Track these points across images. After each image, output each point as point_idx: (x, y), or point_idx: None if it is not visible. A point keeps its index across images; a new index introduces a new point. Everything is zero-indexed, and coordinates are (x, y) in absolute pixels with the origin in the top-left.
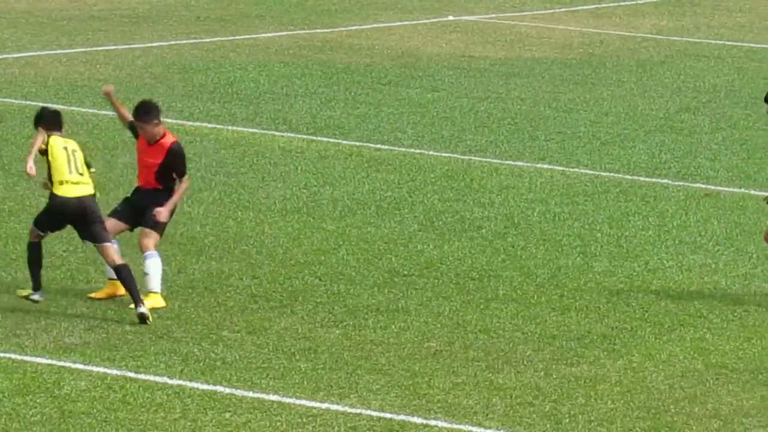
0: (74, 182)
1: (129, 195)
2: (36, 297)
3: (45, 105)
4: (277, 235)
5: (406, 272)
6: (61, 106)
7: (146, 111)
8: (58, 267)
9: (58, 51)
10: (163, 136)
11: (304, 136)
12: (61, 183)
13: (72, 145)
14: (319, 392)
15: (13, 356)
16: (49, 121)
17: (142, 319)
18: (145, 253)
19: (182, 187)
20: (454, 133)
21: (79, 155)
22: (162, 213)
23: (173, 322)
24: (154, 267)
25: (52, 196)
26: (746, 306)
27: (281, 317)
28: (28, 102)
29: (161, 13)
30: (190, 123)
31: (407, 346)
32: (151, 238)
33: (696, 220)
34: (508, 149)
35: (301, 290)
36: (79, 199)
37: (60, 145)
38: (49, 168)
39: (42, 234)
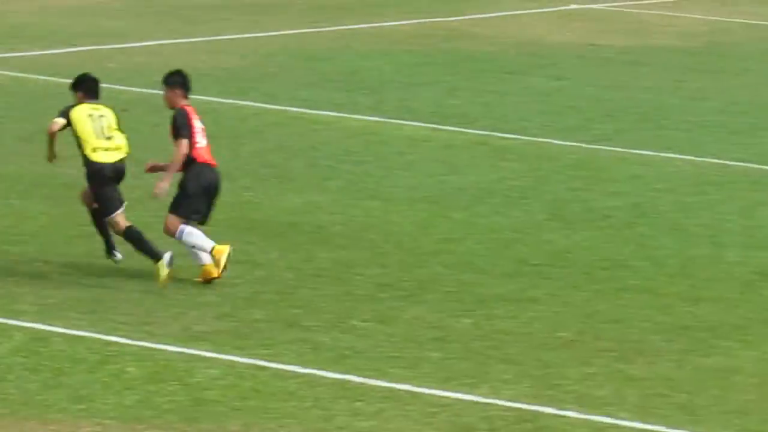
0: (104, 148)
1: None
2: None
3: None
4: (404, 224)
5: (534, 262)
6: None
7: (168, 74)
8: (187, 255)
9: (182, 40)
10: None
11: (429, 125)
12: (94, 150)
13: (100, 111)
14: (450, 382)
15: (144, 344)
16: (86, 87)
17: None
18: (175, 237)
19: (175, 154)
20: (580, 122)
21: (107, 120)
22: (160, 189)
23: (302, 311)
24: (189, 242)
25: (89, 165)
26: None
27: (410, 306)
28: (152, 91)
29: (284, 2)
30: (314, 111)
31: (538, 336)
32: (168, 221)
33: None
34: (634, 138)
35: (430, 279)
36: (114, 164)
37: (84, 113)
38: (78, 139)
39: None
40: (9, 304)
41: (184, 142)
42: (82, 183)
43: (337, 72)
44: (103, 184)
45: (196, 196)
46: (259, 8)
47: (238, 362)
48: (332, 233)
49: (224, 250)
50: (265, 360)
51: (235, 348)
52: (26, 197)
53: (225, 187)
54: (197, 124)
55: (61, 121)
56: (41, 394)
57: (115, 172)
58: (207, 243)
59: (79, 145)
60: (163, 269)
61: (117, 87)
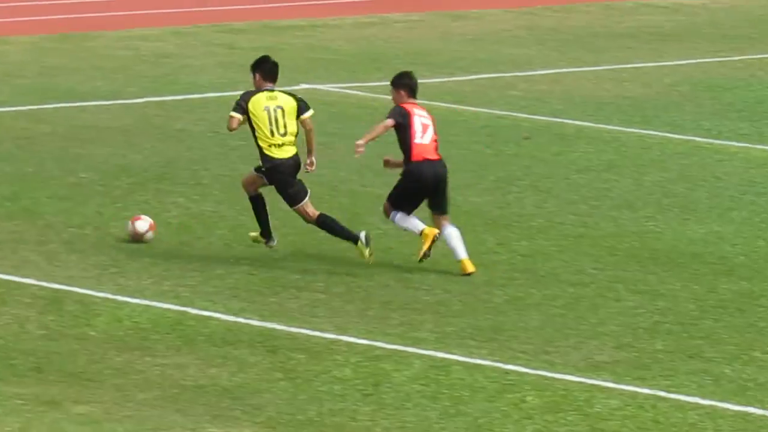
0: (279, 144)
1: None
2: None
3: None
4: None
5: None
6: (589, 123)
7: (396, 76)
8: (587, 284)
9: (585, 68)
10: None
11: None
12: (269, 147)
13: (276, 100)
14: None
15: (543, 373)
16: (265, 69)
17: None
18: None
19: (375, 127)
20: None
21: (282, 111)
22: (357, 146)
23: (704, 342)
24: (400, 226)
25: (265, 159)
26: None
27: None
28: (555, 119)
29: (688, 31)
30: (717, 141)
31: None
32: (384, 205)
33: None
34: None
35: None
36: (289, 159)
37: (261, 106)
38: (254, 131)
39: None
40: (409, 332)
41: (387, 122)
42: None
43: (741, 102)
44: (281, 179)
45: (406, 192)
46: (662, 37)
47: (638, 393)
48: (735, 264)
49: (430, 234)
50: (666, 391)
51: (635, 378)
52: (427, 224)
53: (627, 216)
54: (418, 121)
55: (237, 116)
56: (440, 422)
57: (292, 167)
58: (417, 226)
59: (255, 136)
60: (363, 249)
61: (519, 115)
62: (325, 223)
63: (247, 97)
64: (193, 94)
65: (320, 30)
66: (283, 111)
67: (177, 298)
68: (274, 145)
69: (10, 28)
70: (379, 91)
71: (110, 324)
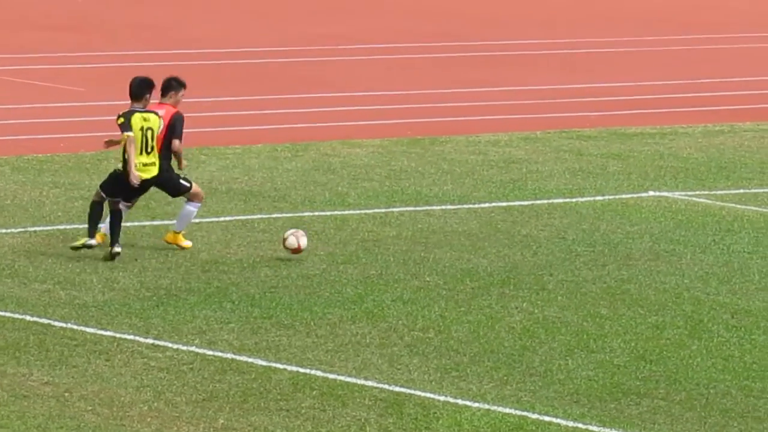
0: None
1: None
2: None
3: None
4: None
5: None
6: None
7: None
8: None
9: None
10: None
11: None
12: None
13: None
14: None
15: None
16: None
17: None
18: None
19: None
20: None
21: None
22: None
23: None
24: None
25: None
26: None
27: None
28: None
29: None
30: None
31: None
32: None
33: None
34: None
35: None
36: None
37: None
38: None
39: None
40: None
41: None
42: None
43: None
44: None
45: None
46: None
47: None
48: None
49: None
50: None
51: None
52: None
53: None
54: None
55: None
56: None
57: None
58: None
59: None
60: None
61: None
62: None
63: None
64: (540, 199)
65: (669, 137)
66: None
67: (518, 403)
68: None
69: (359, 131)
70: (727, 200)
71: (450, 428)
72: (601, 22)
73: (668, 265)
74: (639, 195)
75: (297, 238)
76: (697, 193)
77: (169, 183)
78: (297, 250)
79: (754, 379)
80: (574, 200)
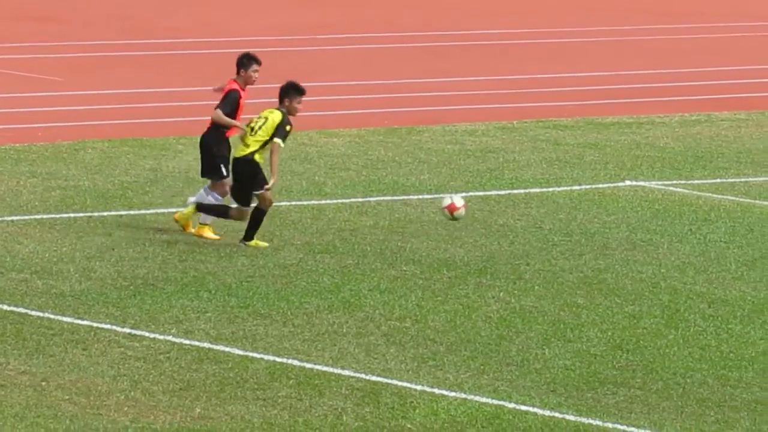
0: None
1: None
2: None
3: None
4: None
5: None
6: None
7: None
8: None
9: None
10: None
11: None
12: None
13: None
14: None
15: None
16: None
17: None
18: None
19: None
20: None
21: None
22: None
23: None
24: None
25: None
26: None
27: None
28: None
29: None
30: None
31: None
32: None
33: None
34: None
35: None
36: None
37: None
38: None
39: None
40: (724, 430)
41: None
42: None
43: None
44: None
45: None
46: None
47: None
48: None
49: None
50: None
51: None
52: (746, 323)
53: None
54: None
55: None
56: None
57: None
58: None
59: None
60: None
61: None
62: None
63: None
64: (516, 189)
65: (646, 127)
66: None
67: (494, 392)
68: None
69: (336, 121)
70: (703, 189)
71: (427, 417)
72: (579, 12)
73: (645, 254)
74: (616, 184)
75: (451, 197)
76: (674, 182)
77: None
78: (451, 208)
79: (731, 369)
80: (550, 190)
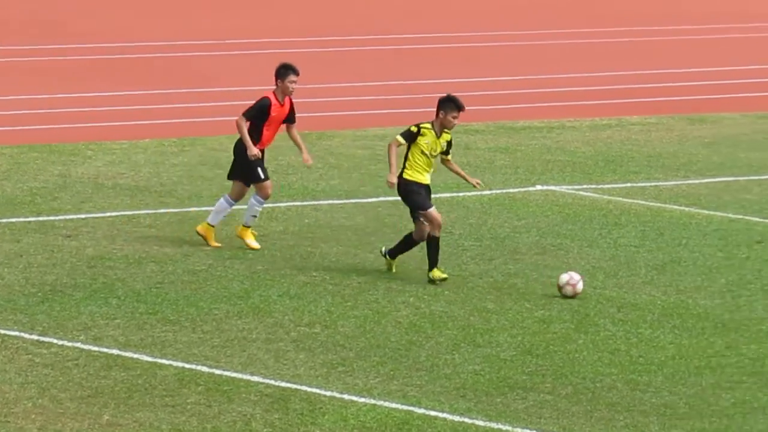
0: None
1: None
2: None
3: None
4: None
5: None
6: None
7: None
8: None
9: None
10: None
11: None
12: None
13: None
14: None
15: None
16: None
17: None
18: None
19: None
20: None
21: None
22: None
23: None
24: None
25: None
26: None
27: None
28: None
29: None
30: None
31: None
32: None
33: None
34: None
35: None
36: None
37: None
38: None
39: None
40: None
41: None
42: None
43: None
44: None
45: None
46: None
47: None
48: None
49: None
50: None
51: None
52: (656, 327)
53: None
54: None
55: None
56: None
57: None
58: None
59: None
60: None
61: (753, 218)
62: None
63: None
64: None
65: (557, 131)
66: None
67: (404, 398)
68: None
69: None
70: (614, 193)
71: (336, 423)
72: (489, 16)
73: (555, 259)
74: (526, 189)
75: (573, 287)
76: (585, 186)
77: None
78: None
79: (640, 373)
80: (461, 194)
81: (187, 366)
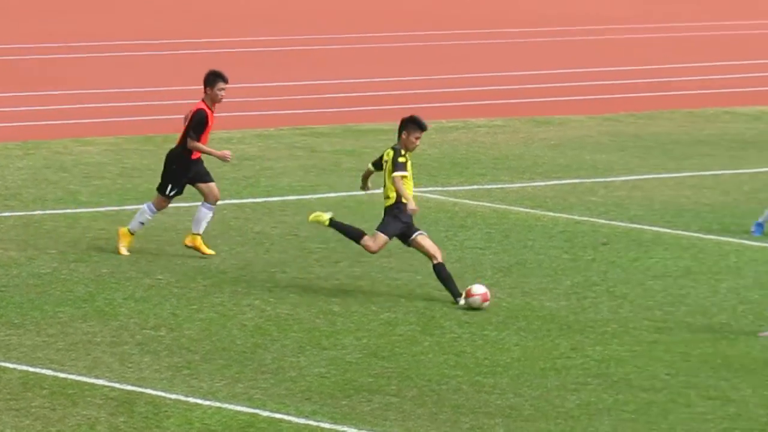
0: None
1: None
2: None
3: None
4: None
5: None
6: (667, 230)
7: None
8: (659, 390)
9: (665, 175)
10: None
11: None
12: None
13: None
14: None
15: None
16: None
17: None
18: None
19: None
20: None
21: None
22: None
23: None
24: None
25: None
26: None
27: None
28: (633, 225)
29: (766, 139)
30: None
31: None
32: None
33: None
34: None
35: None
36: None
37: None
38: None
39: None
40: None
41: None
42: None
43: None
44: None
45: None
46: (743, 145)
47: None
48: None
49: None
50: None
51: None
52: (501, 329)
53: (701, 322)
54: None
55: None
56: None
57: None
58: None
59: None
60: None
61: (598, 220)
62: None
63: None
64: (273, 197)
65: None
66: None
67: (249, 401)
68: None
69: (91, 129)
70: (460, 196)
71: (181, 426)
72: (336, 19)
73: (401, 261)
74: (372, 192)
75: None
76: (431, 189)
77: None
78: (484, 297)
79: (486, 375)
80: (307, 197)
81: (31, 369)
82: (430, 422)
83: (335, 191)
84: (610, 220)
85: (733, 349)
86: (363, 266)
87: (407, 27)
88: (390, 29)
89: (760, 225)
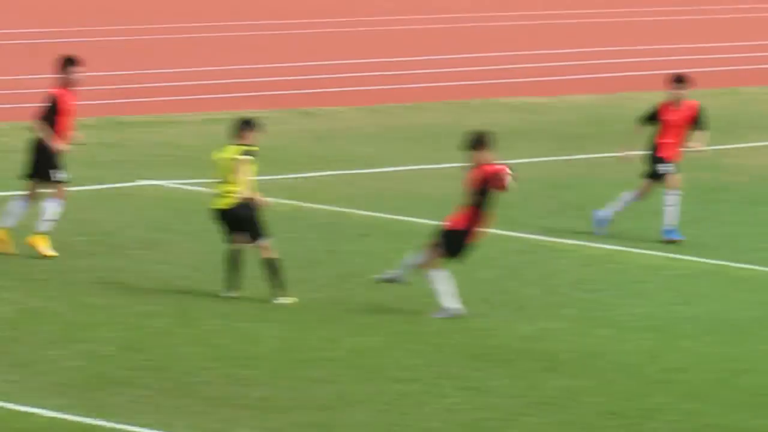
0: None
1: None
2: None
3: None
4: (633, 352)
5: (763, 393)
6: (426, 220)
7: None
8: (414, 381)
9: (429, 166)
10: None
11: (666, 254)
12: None
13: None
14: None
15: None
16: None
17: None
18: None
19: None
20: None
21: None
22: None
23: None
24: None
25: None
26: None
27: None
28: (394, 216)
29: (536, 129)
30: (553, 239)
31: None
32: None
33: None
34: None
35: (654, 409)
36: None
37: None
38: None
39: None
40: (230, 428)
41: None
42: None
43: (579, 200)
44: None
45: None
46: (511, 135)
47: None
48: (562, 361)
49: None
50: None
51: None
52: (256, 321)
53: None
54: None
55: None
56: None
57: None
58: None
59: None
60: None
61: (359, 212)
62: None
63: None
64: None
65: (166, 126)
66: None
67: (0, 395)
68: None
69: None
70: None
71: None
72: (111, 10)
73: (161, 253)
74: (132, 184)
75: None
76: (193, 181)
77: None
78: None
79: (242, 367)
80: (67, 189)
81: None
82: (183, 414)
83: (96, 183)
84: (370, 211)
85: (491, 339)
86: (123, 259)
87: (165, 20)
88: (153, 22)
89: (602, 221)
